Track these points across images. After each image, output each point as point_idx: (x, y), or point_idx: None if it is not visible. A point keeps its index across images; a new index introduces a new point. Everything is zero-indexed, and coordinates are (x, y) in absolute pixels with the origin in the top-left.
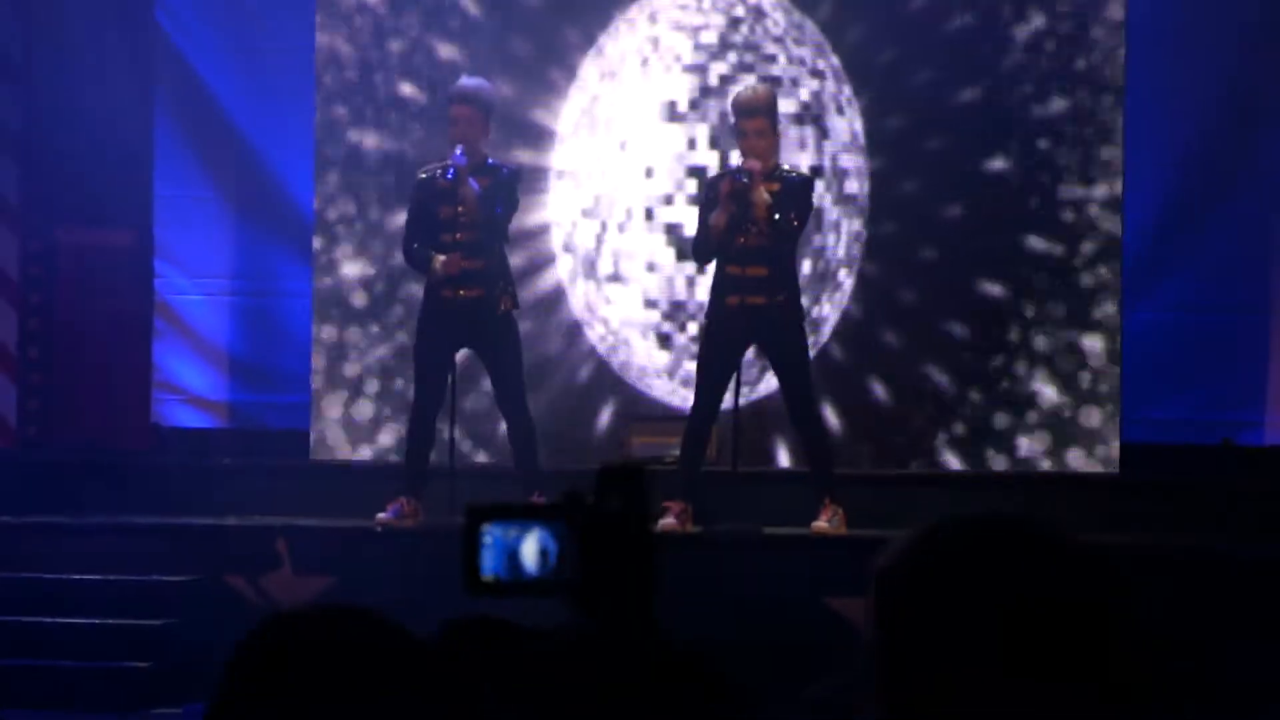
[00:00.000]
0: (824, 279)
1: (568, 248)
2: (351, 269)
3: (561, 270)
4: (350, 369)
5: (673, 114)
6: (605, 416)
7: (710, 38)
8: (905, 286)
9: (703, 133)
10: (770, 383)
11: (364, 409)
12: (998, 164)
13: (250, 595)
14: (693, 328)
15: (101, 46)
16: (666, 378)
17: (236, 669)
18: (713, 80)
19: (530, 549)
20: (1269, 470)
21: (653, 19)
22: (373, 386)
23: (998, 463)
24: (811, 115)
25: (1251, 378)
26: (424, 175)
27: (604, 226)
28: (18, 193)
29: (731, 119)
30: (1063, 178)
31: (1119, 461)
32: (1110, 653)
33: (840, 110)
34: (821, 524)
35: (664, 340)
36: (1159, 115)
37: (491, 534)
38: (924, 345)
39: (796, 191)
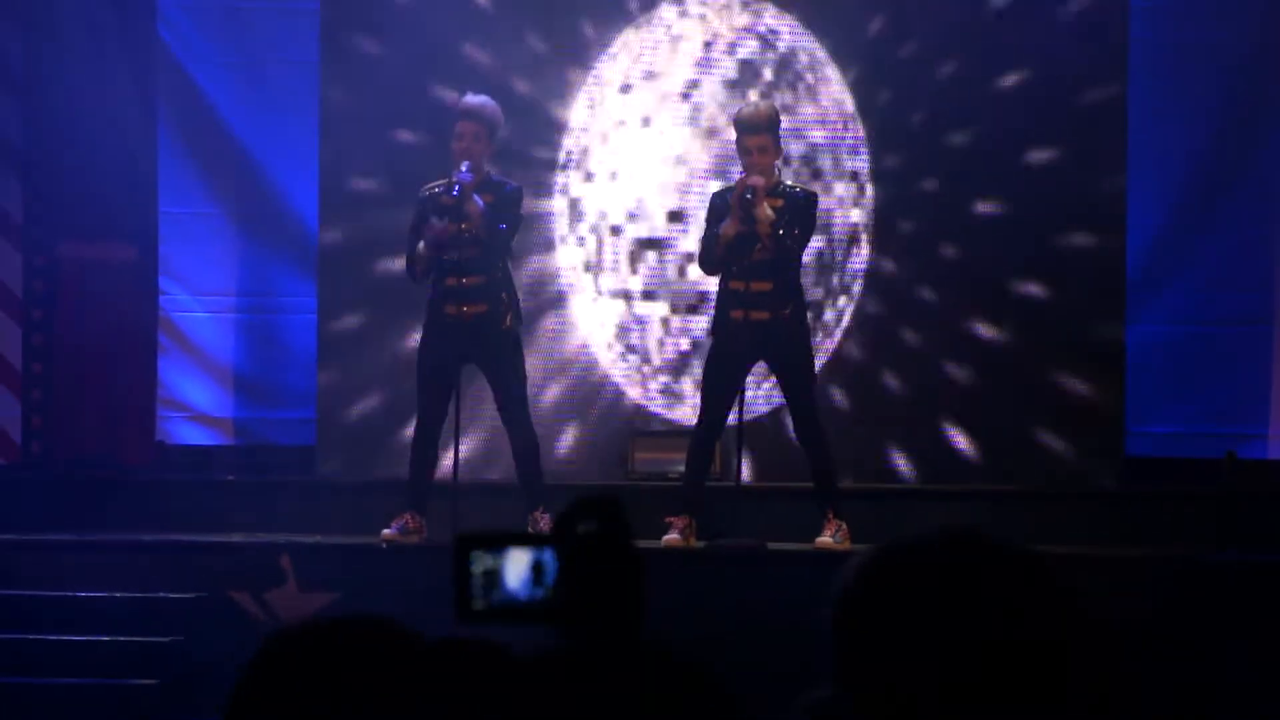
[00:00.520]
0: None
1: (572, 260)
2: (356, 285)
3: (566, 283)
4: (355, 385)
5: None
6: (609, 432)
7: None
8: (911, 307)
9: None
10: (775, 398)
11: (369, 425)
12: (1006, 180)
13: (255, 611)
14: (700, 345)
15: (104, 61)
16: (671, 392)
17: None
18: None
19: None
20: (1272, 483)
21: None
22: (377, 402)
23: (1000, 477)
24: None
25: (1254, 391)
26: (427, 192)
27: (608, 239)
28: (21, 208)
29: (734, 135)
30: (1065, 189)
31: (1122, 475)
32: (1068, 667)
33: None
34: (825, 539)
35: (668, 354)
36: (1160, 128)
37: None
38: (928, 359)
39: (800, 207)
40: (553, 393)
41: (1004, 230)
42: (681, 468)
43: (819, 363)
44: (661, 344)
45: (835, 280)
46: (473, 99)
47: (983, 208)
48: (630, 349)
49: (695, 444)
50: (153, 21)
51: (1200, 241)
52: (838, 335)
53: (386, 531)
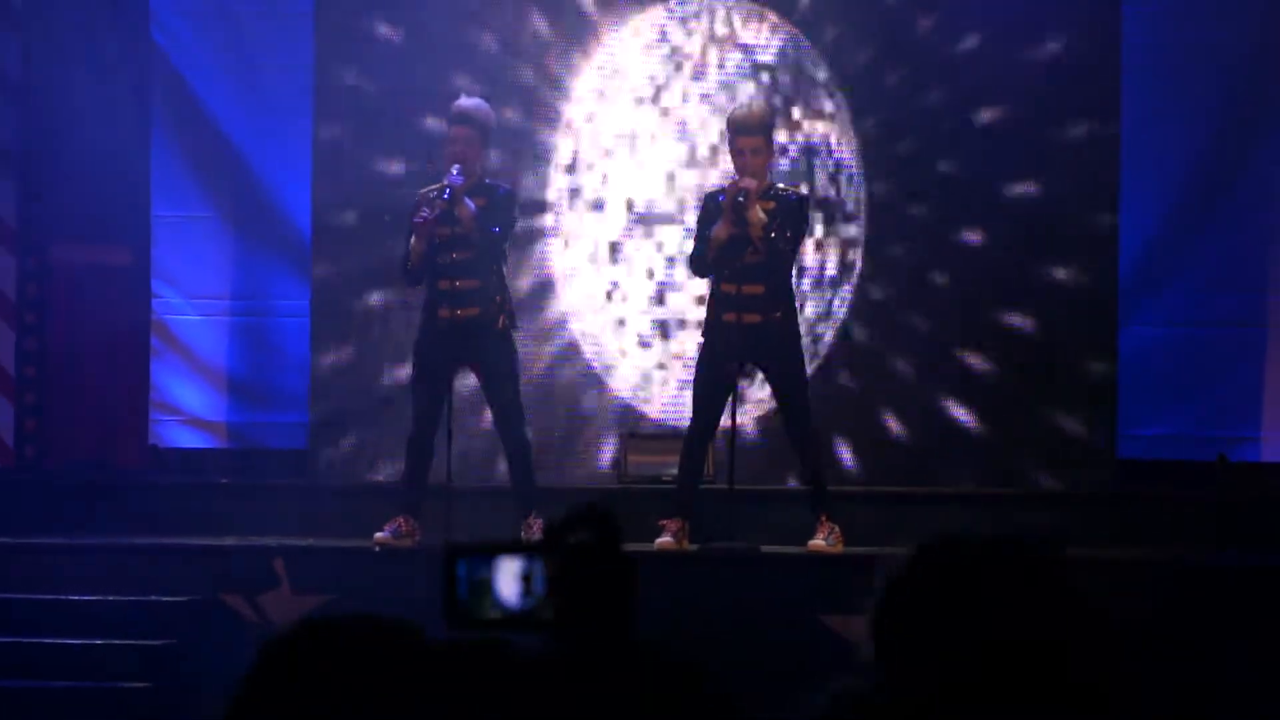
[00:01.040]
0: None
1: (568, 262)
2: (350, 288)
3: (560, 287)
4: (348, 388)
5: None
6: (602, 435)
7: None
8: (906, 311)
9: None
10: (768, 401)
11: (362, 428)
12: (996, 183)
13: (249, 615)
14: (691, 346)
15: (98, 66)
16: (663, 395)
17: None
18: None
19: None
20: (1264, 486)
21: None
22: (371, 406)
23: (993, 480)
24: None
25: (1247, 393)
26: (420, 196)
27: (604, 241)
28: (15, 212)
29: (727, 136)
30: (1057, 197)
31: (1114, 478)
32: (1098, 669)
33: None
34: (818, 542)
35: (662, 357)
36: (1155, 130)
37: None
38: (922, 365)
39: (792, 210)
40: (546, 396)
41: (1003, 226)
42: (675, 471)
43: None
44: (657, 345)
45: (829, 291)
46: (466, 102)
47: (982, 208)
48: (625, 351)
49: (688, 447)
50: (147, 25)
51: (1195, 244)
52: (831, 334)
53: (380, 535)
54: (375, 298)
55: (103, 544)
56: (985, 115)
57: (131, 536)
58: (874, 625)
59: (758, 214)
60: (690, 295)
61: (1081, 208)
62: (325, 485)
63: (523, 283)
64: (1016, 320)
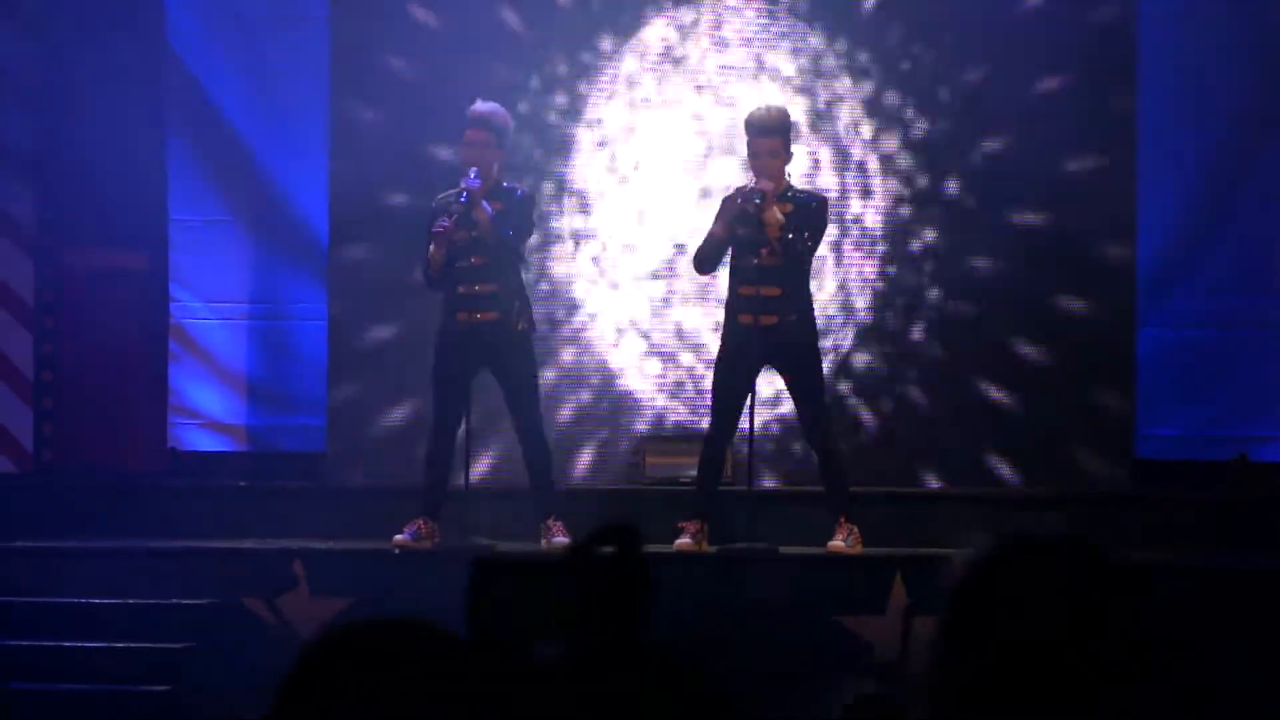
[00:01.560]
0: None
1: (585, 264)
2: (367, 291)
3: (579, 287)
4: (367, 391)
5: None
6: (621, 437)
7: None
8: (922, 298)
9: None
10: (786, 402)
11: (381, 431)
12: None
13: (268, 617)
14: (711, 347)
15: (113, 70)
16: (683, 397)
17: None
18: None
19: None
20: None
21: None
22: (389, 408)
23: (1011, 479)
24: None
25: (1266, 393)
26: (439, 201)
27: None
28: (32, 216)
29: (745, 138)
30: (1076, 194)
31: (1133, 478)
32: (1166, 669)
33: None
34: (837, 543)
35: (681, 358)
36: (1170, 129)
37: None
38: (941, 362)
39: (810, 212)
40: (565, 398)
41: (1020, 239)
42: (693, 472)
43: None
44: (676, 347)
45: (848, 285)
46: (482, 106)
47: (1000, 217)
48: (644, 353)
49: (707, 449)
50: (161, 30)
51: (1213, 244)
52: (848, 343)
53: (399, 537)
54: (394, 298)
55: (121, 547)
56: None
57: (150, 540)
58: (946, 623)
59: (775, 215)
60: (710, 294)
61: (1098, 210)
62: (344, 488)
63: (541, 284)
64: (1035, 318)
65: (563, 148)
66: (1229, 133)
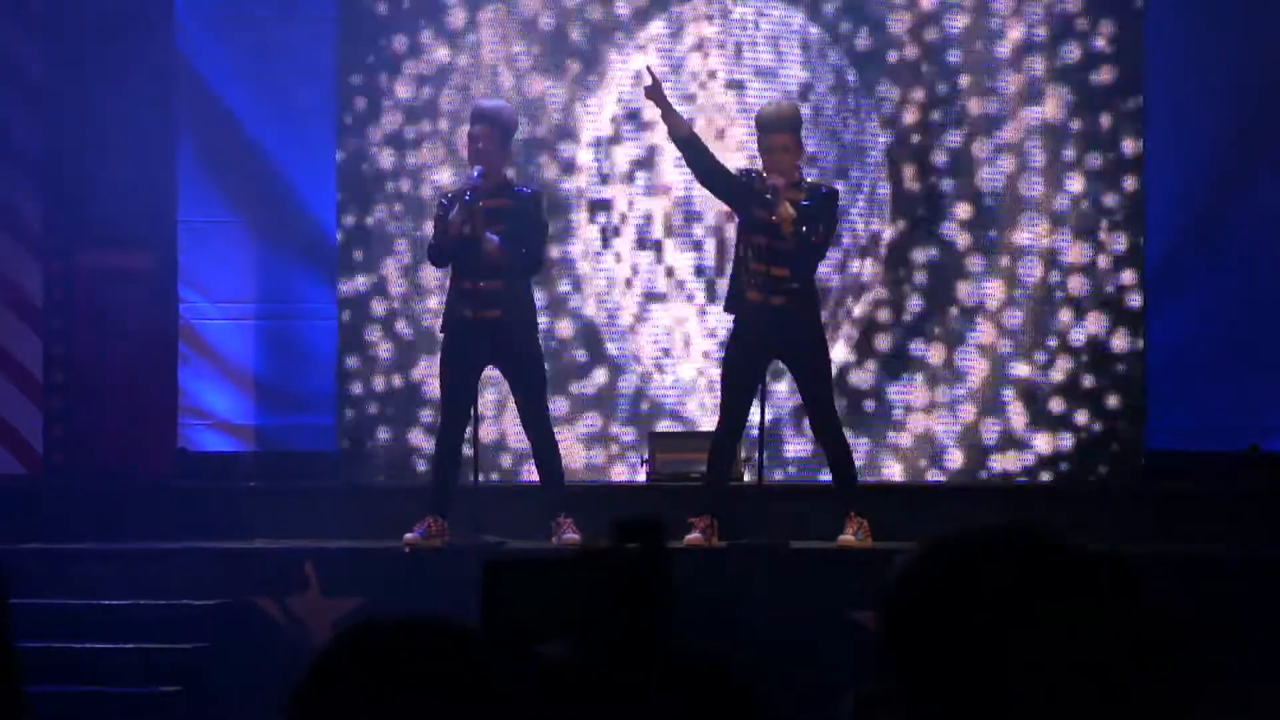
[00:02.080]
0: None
1: (592, 258)
2: (376, 290)
3: (586, 282)
4: (376, 390)
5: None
6: (631, 433)
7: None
8: (929, 297)
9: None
10: (795, 396)
11: (390, 430)
12: (1024, 174)
13: (279, 618)
14: (721, 341)
15: (122, 71)
16: (693, 393)
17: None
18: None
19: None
20: None
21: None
22: (398, 407)
23: (1024, 472)
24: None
25: (1276, 383)
26: (446, 199)
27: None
28: (41, 218)
29: (756, 134)
30: (1086, 186)
31: (1145, 469)
32: (1122, 659)
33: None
34: (847, 537)
35: (691, 354)
36: (1180, 123)
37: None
38: (949, 354)
39: (822, 204)
40: (573, 394)
41: (1024, 227)
42: (703, 468)
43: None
44: (686, 342)
45: (851, 272)
46: (487, 102)
47: (1009, 203)
48: (653, 348)
49: (716, 444)
50: (170, 31)
51: (1225, 234)
52: (856, 314)
53: (409, 536)
54: (402, 296)
55: (131, 549)
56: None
57: (160, 541)
58: (884, 625)
59: (788, 210)
60: (721, 290)
61: (1109, 200)
62: (354, 487)
63: (551, 279)
64: (1045, 311)
65: (567, 141)
66: (1240, 124)
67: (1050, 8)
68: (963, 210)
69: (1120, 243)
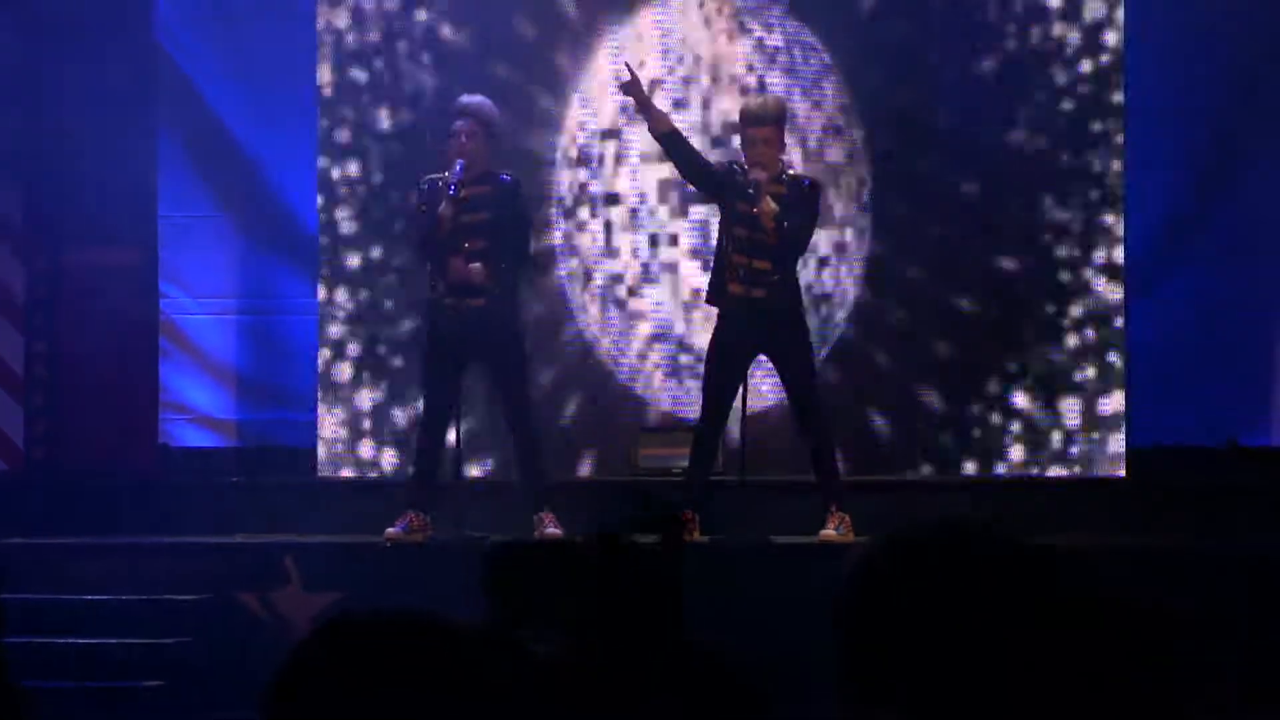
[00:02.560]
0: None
1: (575, 252)
2: (356, 284)
3: (569, 277)
4: (357, 384)
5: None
6: (613, 427)
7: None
8: (913, 287)
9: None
10: (778, 391)
11: (371, 424)
12: (1008, 165)
13: (261, 613)
14: (702, 338)
15: (103, 68)
16: (676, 386)
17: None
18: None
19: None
20: (1275, 470)
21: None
22: (380, 402)
23: (1005, 467)
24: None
25: (1257, 377)
26: (426, 183)
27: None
28: (21, 214)
29: (740, 127)
30: (1066, 180)
31: (1126, 464)
32: (1061, 652)
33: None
34: (829, 532)
35: (672, 348)
36: (1161, 118)
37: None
38: (930, 348)
39: (804, 198)
40: (557, 388)
41: (1009, 224)
42: (686, 463)
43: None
44: (667, 336)
45: (832, 274)
46: (469, 98)
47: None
48: (635, 342)
49: (699, 439)
50: (150, 27)
51: (1205, 229)
52: (839, 322)
53: (390, 530)
54: (384, 291)
55: (114, 543)
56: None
57: (142, 536)
58: (835, 625)
59: (769, 205)
60: (702, 285)
61: (1089, 196)
62: (335, 482)
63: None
64: (1025, 307)
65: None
66: (1222, 120)
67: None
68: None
69: (1101, 239)
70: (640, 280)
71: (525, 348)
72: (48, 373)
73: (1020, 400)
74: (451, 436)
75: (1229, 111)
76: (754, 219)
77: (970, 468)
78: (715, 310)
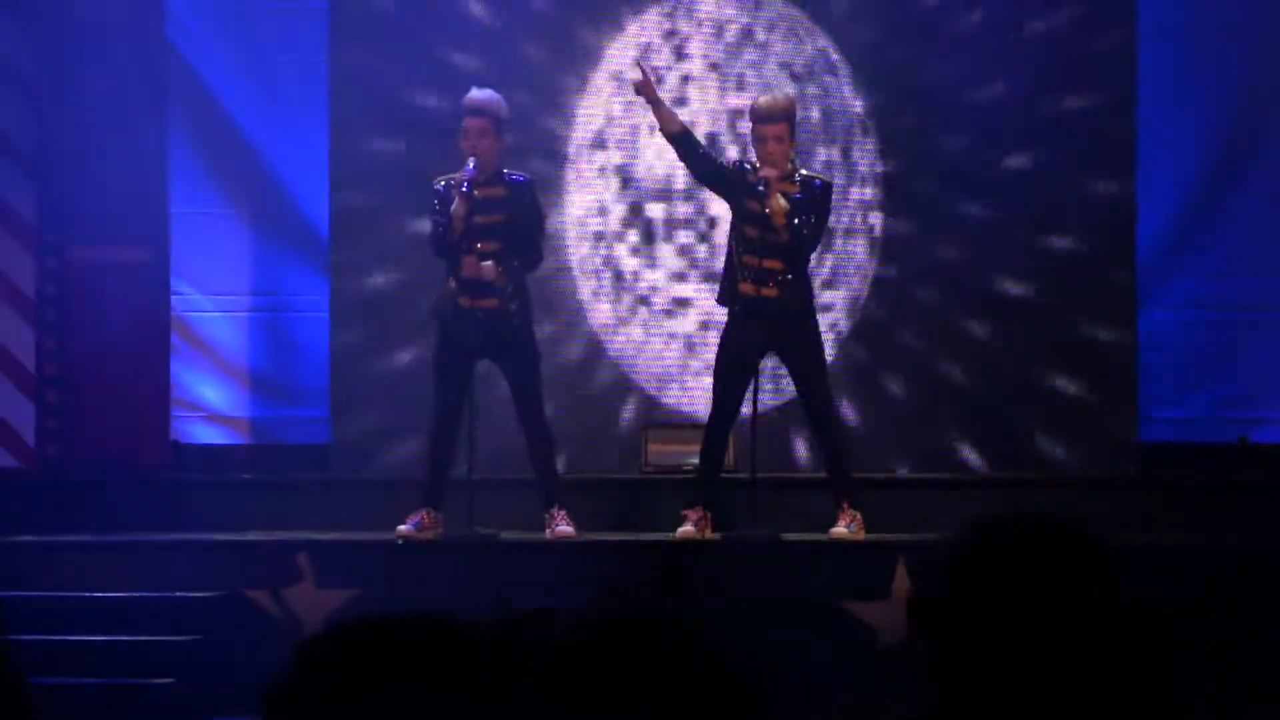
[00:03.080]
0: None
1: (586, 249)
2: (369, 281)
3: (580, 275)
4: (369, 381)
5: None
6: (624, 425)
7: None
8: (923, 288)
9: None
10: (789, 388)
11: (383, 422)
12: (1014, 165)
13: (273, 610)
14: (712, 334)
15: (113, 63)
16: (686, 383)
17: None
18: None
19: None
20: None
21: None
22: (392, 399)
23: (1015, 464)
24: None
25: (1267, 374)
26: (442, 184)
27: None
28: (33, 211)
29: (750, 125)
30: (1076, 178)
31: (1136, 461)
32: (1146, 655)
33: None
34: (840, 529)
35: (683, 346)
36: (1172, 112)
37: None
38: (941, 346)
39: (816, 197)
40: (567, 386)
41: (1018, 219)
42: (696, 460)
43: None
44: (678, 333)
45: (841, 278)
46: (478, 94)
47: (1003, 175)
48: (645, 340)
49: (709, 436)
50: (161, 22)
51: (1215, 225)
52: (844, 332)
53: (402, 528)
54: (395, 288)
55: (126, 541)
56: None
57: (154, 533)
58: (921, 612)
59: (780, 203)
60: (713, 283)
61: (1099, 191)
62: (348, 479)
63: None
64: (1036, 303)
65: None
66: (1232, 115)
67: None
68: (962, 205)
69: (1111, 236)
70: (652, 277)
71: (537, 346)
72: (59, 369)
73: (1030, 399)
74: (464, 434)
75: (1240, 109)
76: (764, 218)
77: (983, 465)
78: (725, 307)
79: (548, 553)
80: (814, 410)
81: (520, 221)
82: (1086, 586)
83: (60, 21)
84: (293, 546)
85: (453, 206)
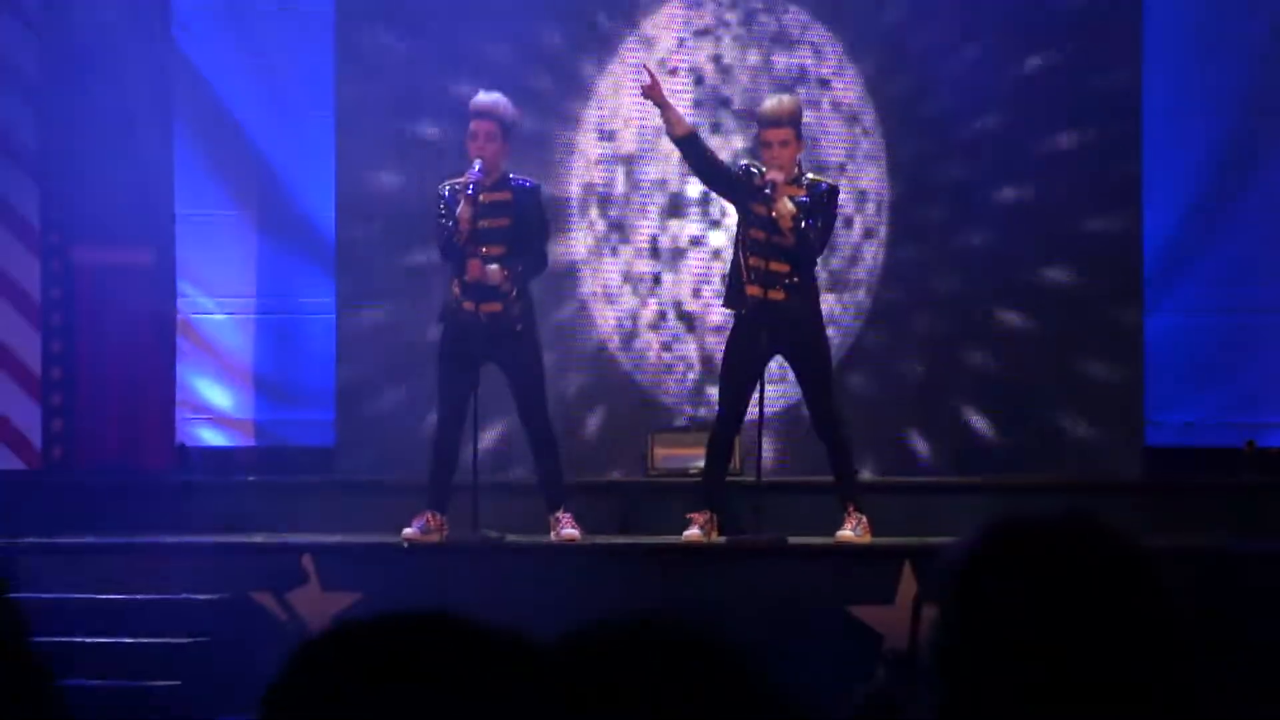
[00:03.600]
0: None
1: (591, 252)
2: (374, 284)
3: (584, 276)
4: (374, 385)
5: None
6: (629, 429)
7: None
8: (929, 281)
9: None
10: (794, 391)
11: (388, 424)
12: (1016, 197)
13: (278, 612)
14: (719, 338)
15: (119, 65)
16: (691, 387)
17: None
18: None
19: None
20: None
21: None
22: (397, 402)
23: (1019, 468)
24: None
25: (1274, 378)
26: (447, 189)
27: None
28: (37, 213)
29: (756, 129)
30: (1081, 179)
31: (1142, 465)
32: (1174, 654)
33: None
34: (846, 533)
35: (688, 350)
36: (1176, 116)
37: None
38: (947, 343)
39: (822, 200)
40: (572, 389)
41: (1022, 218)
42: (701, 464)
43: (838, 353)
44: (684, 337)
45: (856, 268)
46: (485, 97)
47: (1000, 195)
48: (650, 343)
49: (715, 439)
50: (167, 24)
51: (1220, 230)
52: (857, 324)
53: (408, 531)
54: (403, 292)
55: (131, 543)
56: (996, 123)
57: (160, 535)
58: (941, 617)
59: (787, 206)
60: (717, 286)
61: (1104, 196)
62: (353, 482)
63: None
64: (1037, 309)
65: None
66: (1237, 119)
67: None
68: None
69: (1116, 239)
70: (659, 274)
71: (541, 349)
72: (64, 372)
73: (1035, 401)
74: (468, 437)
75: (1246, 112)
76: (771, 221)
77: (987, 469)
78: (731, 310)
79: (553, 556)
80: (818, 413)
81: (525, 225)
82: (1122, 592)
83: (65, 23)
84: (298, 549)
85: (458, 210)
